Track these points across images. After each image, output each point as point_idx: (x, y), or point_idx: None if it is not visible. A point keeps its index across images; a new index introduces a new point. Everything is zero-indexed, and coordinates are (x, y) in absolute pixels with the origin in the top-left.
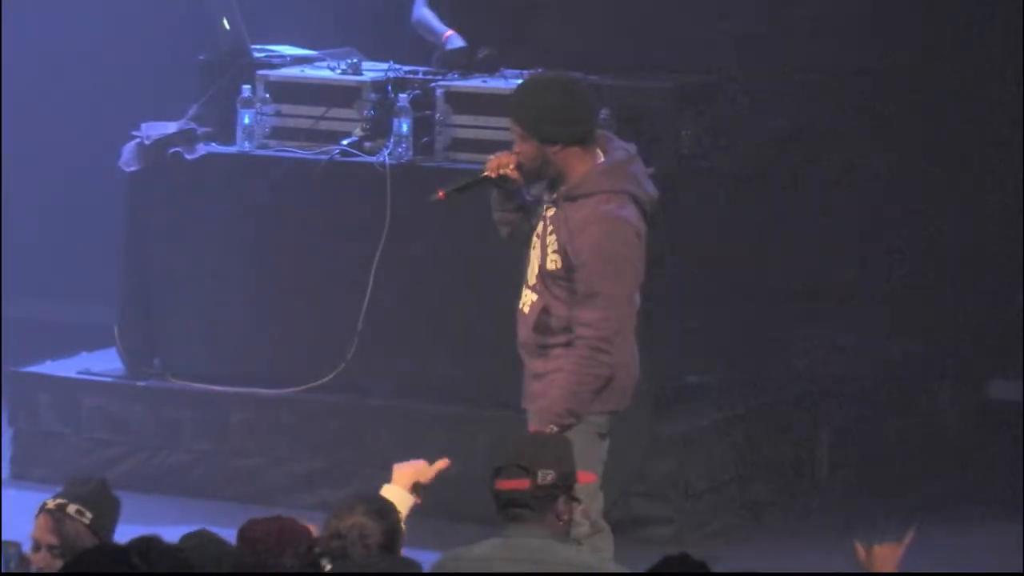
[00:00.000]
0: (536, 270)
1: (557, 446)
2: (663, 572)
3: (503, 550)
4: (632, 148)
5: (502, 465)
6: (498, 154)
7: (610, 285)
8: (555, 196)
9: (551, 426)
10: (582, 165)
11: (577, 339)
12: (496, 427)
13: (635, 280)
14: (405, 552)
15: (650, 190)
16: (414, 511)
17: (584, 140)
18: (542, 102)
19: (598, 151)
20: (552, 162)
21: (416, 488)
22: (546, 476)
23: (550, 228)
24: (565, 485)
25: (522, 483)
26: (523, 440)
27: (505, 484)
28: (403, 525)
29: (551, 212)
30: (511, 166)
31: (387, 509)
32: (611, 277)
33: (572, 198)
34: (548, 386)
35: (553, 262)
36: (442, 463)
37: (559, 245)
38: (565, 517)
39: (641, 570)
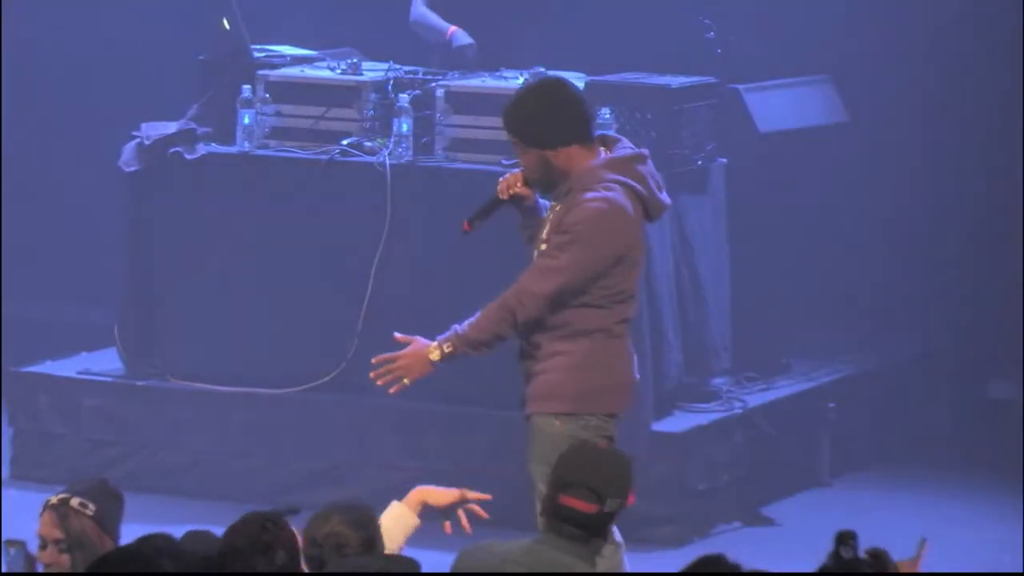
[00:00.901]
0: None
1: (627, 470)
2: (698, 572)
3: (524, 555)
4: (644, 151)
5: (572, 481)
6: (506, 175)
7: (555, 253)
8: (557, 195)
9: (446, 344)
10: (584, 163)
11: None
12: (496, 427)
13: (584, 255)
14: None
15: (661, 196)
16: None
17: (580, 138)
18: (529, 108)
19: (601, 149)
20: (555, 166)
21: (443, 511)
22: (613, 504)
23: (547, 227)
24: (622, 510)
25: (589, 507)
26: (598, 459)
27: (571, 501)
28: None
29: (552, 211)
30: (519, 184)
31: (364, 519)
32: (557, 248)
33: (568, 192)
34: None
35: None
36: (472, 494)
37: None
38: (608, 537)
39: (643, 570)
